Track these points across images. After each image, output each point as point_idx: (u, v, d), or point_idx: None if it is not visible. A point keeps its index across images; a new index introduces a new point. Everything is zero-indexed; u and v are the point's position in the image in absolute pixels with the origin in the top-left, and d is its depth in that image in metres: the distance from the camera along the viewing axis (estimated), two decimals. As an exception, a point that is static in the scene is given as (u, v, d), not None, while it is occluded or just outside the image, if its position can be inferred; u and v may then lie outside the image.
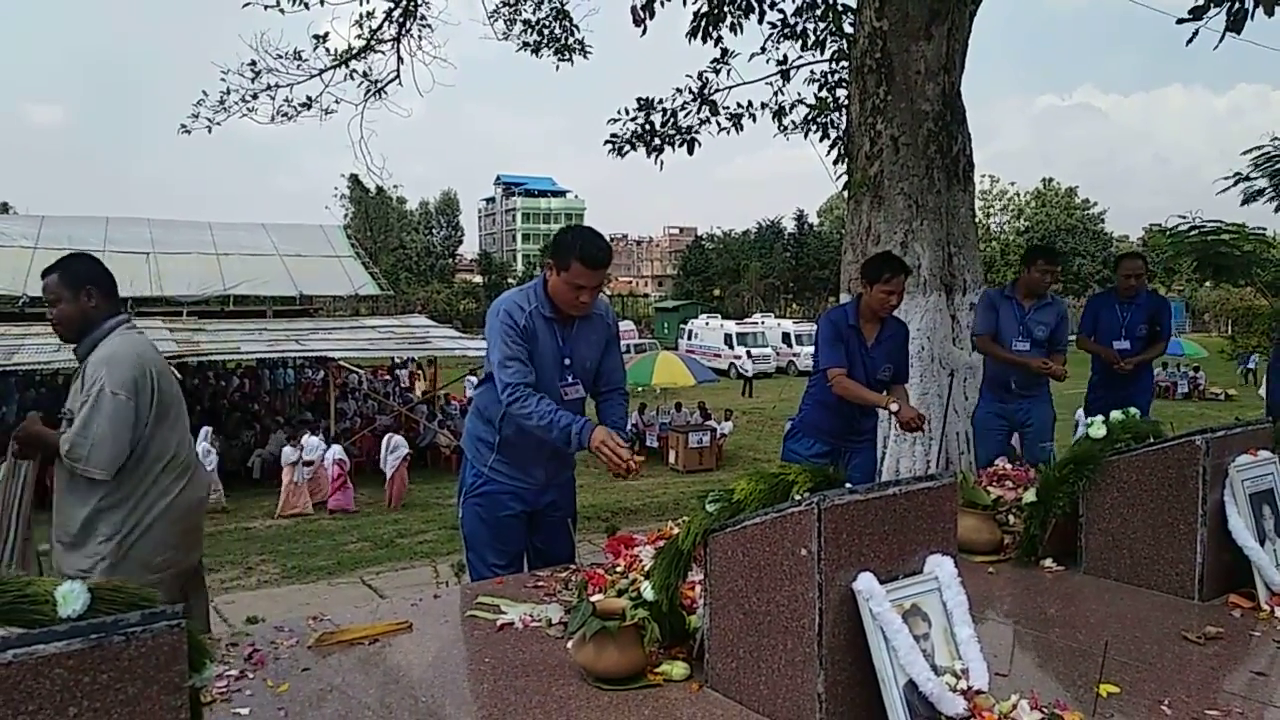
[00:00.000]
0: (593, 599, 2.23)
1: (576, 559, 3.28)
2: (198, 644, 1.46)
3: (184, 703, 1.30)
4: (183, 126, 9.53)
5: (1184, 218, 16.34)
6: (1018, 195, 62.48)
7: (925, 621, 1.94)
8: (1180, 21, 4.76)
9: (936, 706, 1.81)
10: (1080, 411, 9.98)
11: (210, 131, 9.55)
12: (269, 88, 9.39)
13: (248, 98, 9.39)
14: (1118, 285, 5.89)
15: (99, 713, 1.22)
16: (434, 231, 68.84)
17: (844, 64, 8.28)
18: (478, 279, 64.01)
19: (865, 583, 1.88)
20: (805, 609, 1.89)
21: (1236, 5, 4.50)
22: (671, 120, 8.89)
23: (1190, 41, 4.79)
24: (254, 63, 9.21)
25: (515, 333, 3.06)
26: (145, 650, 1.25)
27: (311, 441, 14.03)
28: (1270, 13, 4.22)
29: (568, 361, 3.17)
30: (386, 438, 14.32)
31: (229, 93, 9.32)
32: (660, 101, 8.88)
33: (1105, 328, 5.84)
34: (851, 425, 4.41)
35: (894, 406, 4.10)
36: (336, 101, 9.60)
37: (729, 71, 8.85)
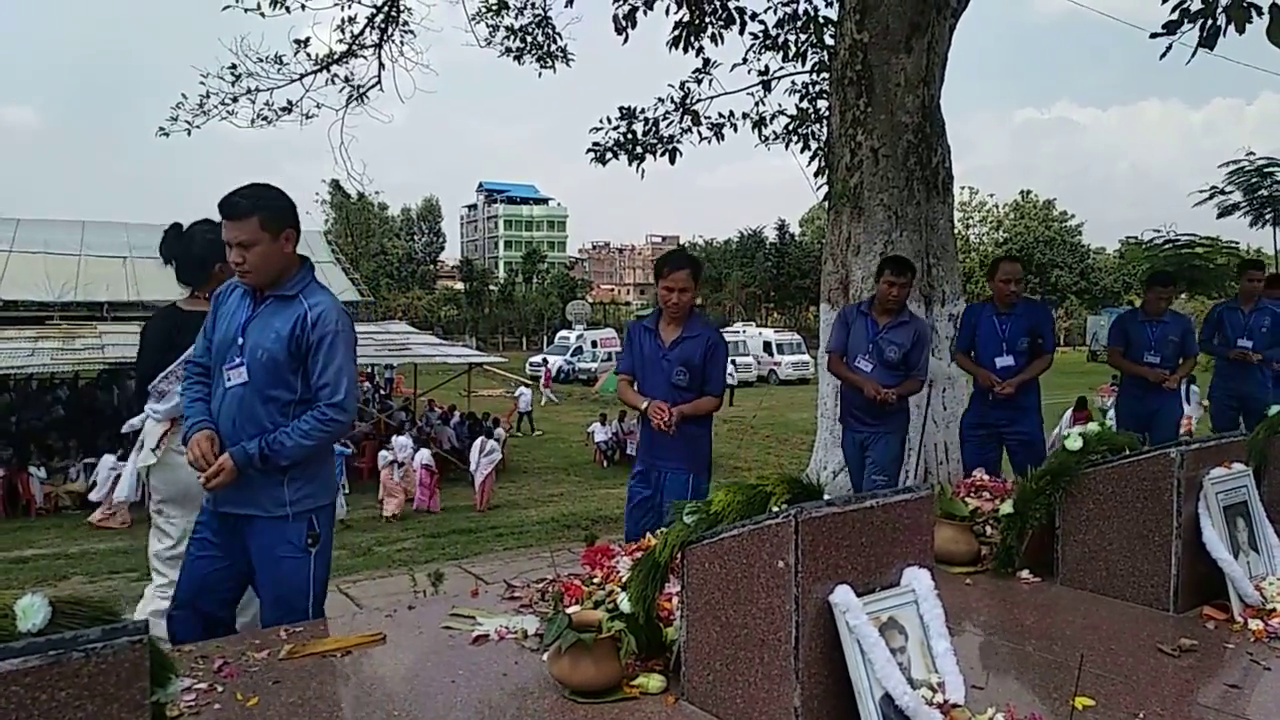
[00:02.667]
0: (569, 610, 2.21)
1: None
2: (161, 659, 1.43)
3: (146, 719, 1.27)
4: (161, 129, 9.47)
5: (1158, 231, 16.59)
6: (996, 207, 63.09)
7: (902, 634, 1.93)
8: (1154, 36, 4.81)
9: (912, 720, 1.81)
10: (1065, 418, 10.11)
11: (190, 134, 9.49)
12: (249, 91, 9.35)
13: (227, 101, 9.34)
14: (995, 293, 5.33)
15: (57, 731, 1.19)
16: (415, 238, 68.63)
17: (825, 75, 8.33)
18: (459, 286, 63.77)
19: (842, 595, 1.87)
20: (782, 622, 1.88)
21: (1209, 21, 4.55)
22: (653, 129, 8.92)
23: (1164, 56, 4.85)
24: (234, 66, 9.17)
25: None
26: (106, 667, 1.22)
27: (400, 441, 14.27)
28: (1241, 29, 4.27)
29: (240, 341, 2.78)
30: (479, 441, 14.63)
31: (208, 96, 9.27)
32: (642, 111, 8.91)
33: (984, 341, 5.32)
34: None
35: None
36: (318, 106, 9.57)
37: (710, 81, 8.92)
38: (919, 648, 1.94)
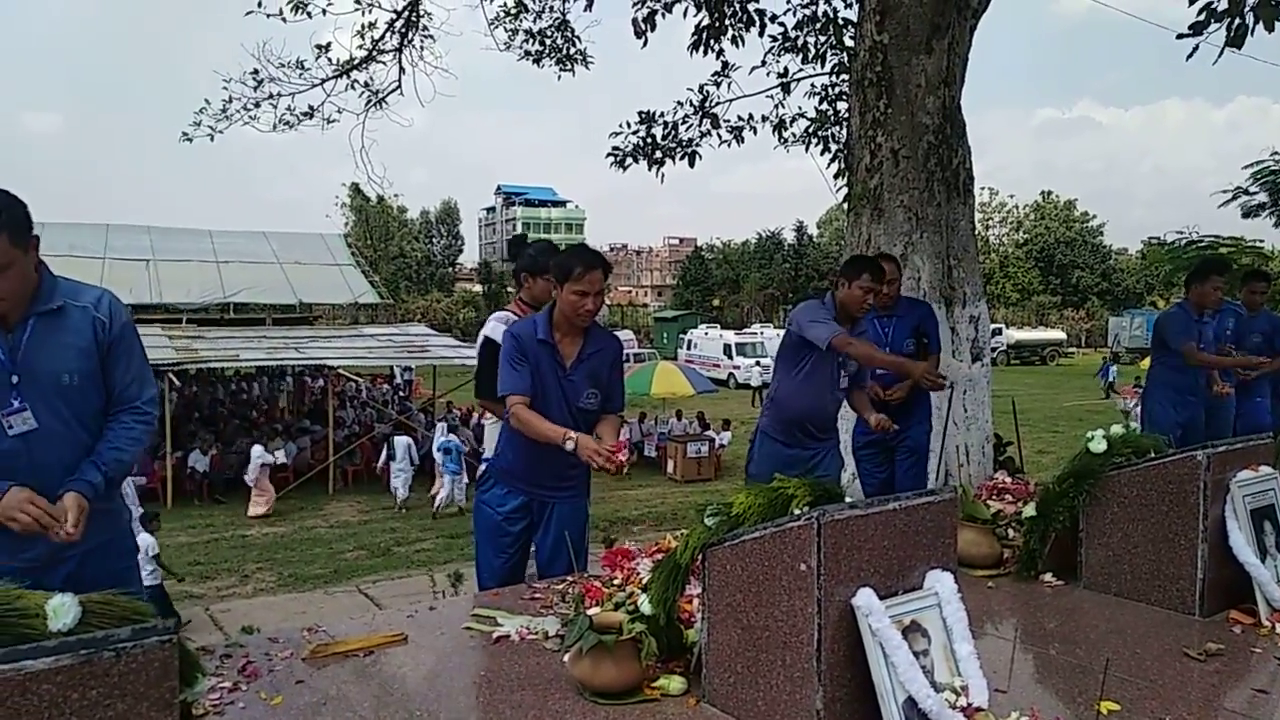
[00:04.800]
0: (590, 612, 2.22)
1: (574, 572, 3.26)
2: (190, 658, 1.44)
3: (174, 718, 1.28)
4: (185, 135, 9.55)
5: (1181, 233, 16.40)
6: (1017, 208, 62.68)
7: (925, 638, 1.92)
8: (1181, 36, 4.76)
9: (936, 724, 1.80)
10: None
11: (213, 139, 9.57)
12: (271, 96, 9.41)
13: (249, 106, 9.41)
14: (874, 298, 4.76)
15: (88, 729, 1.21)
16: (434, 240, 68.88)
17: (844, 77, 8.30)
18: (477, 288, 63.99)
19: (865, 598, 1.86)
20: (804, 624, 1.87)
21: (1237, 21, 4.50)
22: (672, 133, 8.91)
23: (1190, 56, 4.80)
24: (256, 71, 9.23)
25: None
26: (136, 666, 1.24)
27: (400, 441, 14.33)
28: (1270, 28, 4.23)
29: (14, 380, 2.32)
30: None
31: (231, 101, 9.34)
32: (661, 114, 8.90)
33: None
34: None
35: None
36: (339, 111, 9.61)
37: (730, 84, 8.88)
38: (942, 651, 1.93)
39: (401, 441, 14.44)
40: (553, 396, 3.22)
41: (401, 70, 9.54)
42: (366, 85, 9.62)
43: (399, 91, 9.63)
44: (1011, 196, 63.14)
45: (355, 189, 53.17)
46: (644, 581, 2.33)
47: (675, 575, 2.19)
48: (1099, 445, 2.92)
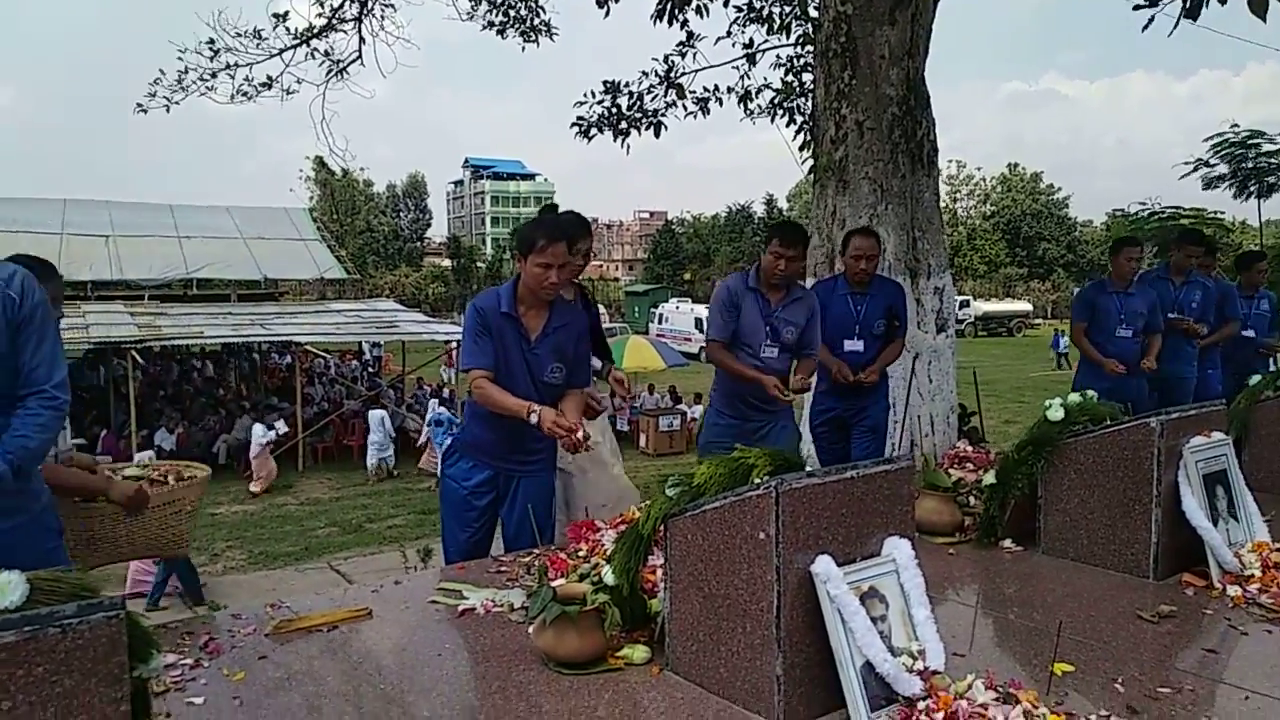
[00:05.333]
0: (554, 583, 2.22)
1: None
2: (142, 634, 1.43)
3: (124, 694, 1.27)
4: (139, 106, 9.35)
5: (1144, 204, 16.61)
6: (984, 181, 63.12)
7: (883, 603, 1.95)
8: (1137, 8, 4.80)
9: (893, 687, 1.83)
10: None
11: (169, 111, 9.37)
12: (228, 67, 9.21)
13: (206, 77, 9.21)
14: (846, 270, 4.68)
15: (35, 706, 1.19)
16: (401, 214, 68.18)
17: (809, 48, 8.28)
18: (446, 263, 63.45)
19: (823, 565, 1.88)
20: (764, 592, 1.89)
21: (1192, -8, 4.54)
22: (638, 103, 8.84)
23: (1146, 28, 4.83)
24: (212, 41, 9.04)
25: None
26: (82, 642, 1.22)
27: (375, 414, 14.50)
28: (1224, 0, 4.26)
29: None
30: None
31: (187, 72, 9.14)
32: (626, 85, 8.83)
33: (835, 323, 4.60)
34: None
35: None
36: (298, 81, 9.43)
37: (695, 55, 8.82)
38: (900, 616, 1.96)
39: (375, 415, 14.44)
40: (517, 370, 3.19)
41: (362, 40, 9.38)
42: (326, 55, 9.45)
43: (360, 62, 9.46)
44: (979, 169, 63.66)
45: (320, 162, 52.37)
46: (608, 553, 2.34)
47: (638, 546, 2.21)
48: (1057, 413, 2.96)
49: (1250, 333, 6.72)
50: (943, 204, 6.62)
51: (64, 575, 1.39)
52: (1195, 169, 16.85)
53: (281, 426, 14.04)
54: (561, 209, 3.92)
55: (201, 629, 2.39)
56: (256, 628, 2.41)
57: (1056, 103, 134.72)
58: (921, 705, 1.78)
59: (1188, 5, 4.50)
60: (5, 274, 2.29)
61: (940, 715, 1.73)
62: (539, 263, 3.08)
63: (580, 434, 2.96)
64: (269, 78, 9.29)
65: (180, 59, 9.00)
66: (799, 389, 4.01)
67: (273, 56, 9.18)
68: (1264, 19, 3.99)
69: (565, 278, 3.18)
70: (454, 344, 19.76)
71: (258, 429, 13.56)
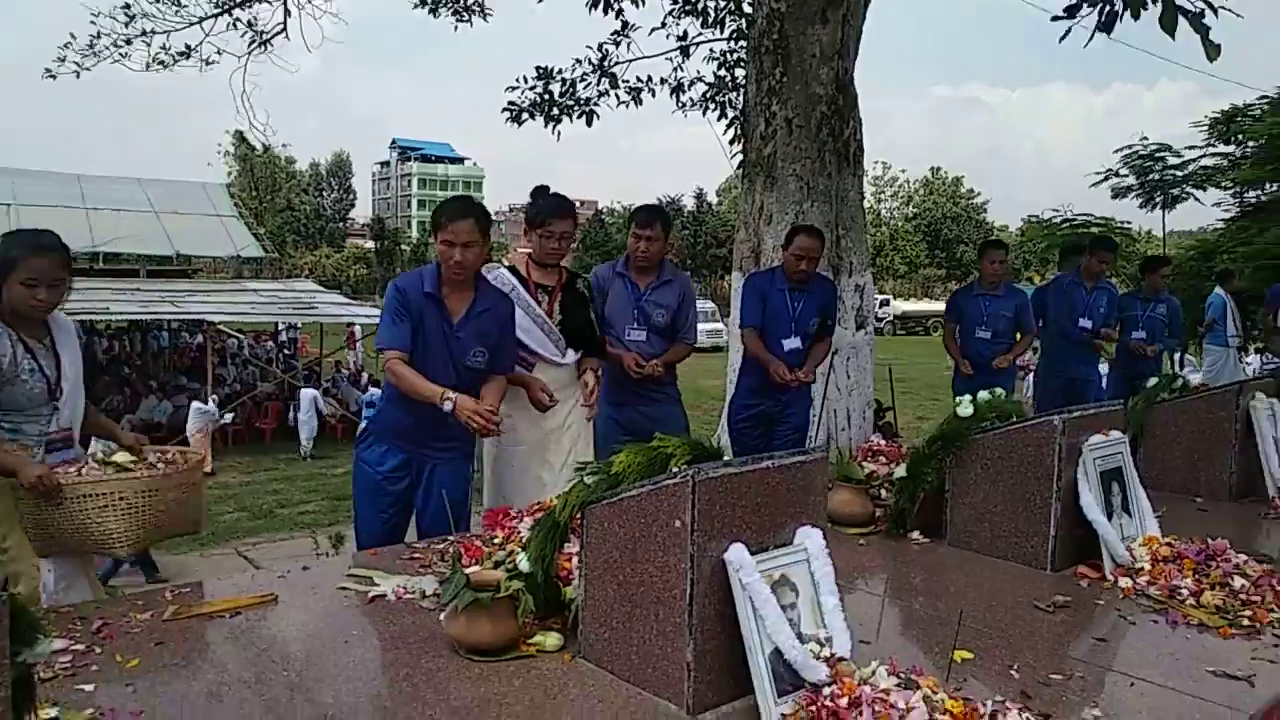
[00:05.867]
0: (468, 570, 2.20)
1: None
2: (28, 618, 1.37)
3: (4, 680, 1.21)
4: (47, 71, 8.93)
5: (1056, 211, 17.21)
6: (908, 183, 64.63)
7: (793, 591, 1.98)
8: (1055, 19, 4.96)
9: (800, 673, 1.86)
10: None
11: (79, 77, 8.97)
12: (144, 33, 8.85)
13: (120, 43, 8.83)
14: (785, 267, 4.62)
15: (-95, 692, 1.13)
16: (324, 194, 66.51)
17: (743, 44, 8.34)
18: (369, 245, 62.16)
19: (736, 553, 1.90)
20: (677, 579, 1.90)
21: (1107, 6, 4.71)
22: (570, 91, 8.80)
23: (1063, 39, 5.00)
24: (128, 6, 8.66)
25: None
26: (-40, 624, 1.16)
27: (306, 394, 14.41)
28: (1136, 15, 4.43)
29: None
30: None
31: (99, 36, 8.75)
32: (559, 71, 8.78)
33: (771, 319, 4.60)
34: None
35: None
36: (218, 52, 9.12)
37: (629, 45, 8.82)
38: (809, 604, 2.00)
39: (307, 394, 14.28)
40: (438, 352, 3.15)
41: (287, 12, 9.11)
42: (250, 25, 9.15)
43: (284, 35, 9.19)
44: (904, 171, 65.06)
45: (240, 137, 50.65)
46: (524, 540, 2.32)
47: (554, 533, 2.20)
48: (966, 410, 3.05)
49: (1142, 334, 7.01)
50: (867, 204, 6.76)
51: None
52: (1105, 178, 17.53)
53: (212, 407, 13.55)
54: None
55: (95, 614, 2.30)
56: (154, 613, 2.33)
57: (979, 110, 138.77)
58: (827, 691, 1.81)
59: (1102, 19, 4.67)
60: None
61: (845, 700, 1.76)
62: (442, 240, 3.09)
63: (496, 420, 2.96)
64: (187, 46, 8.96)
65: (93, 22, 8.61)
66: (648, 373, 4.04)
67: (192, 25, 8.85)
68: (1173, 36, 4.17)
69: (470, 259, 3.10)
70: (354, 325, 19.40)
71: (196, 405, 13.10)
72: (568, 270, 3.91)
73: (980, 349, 6.08)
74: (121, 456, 3.01)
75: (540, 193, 3.86)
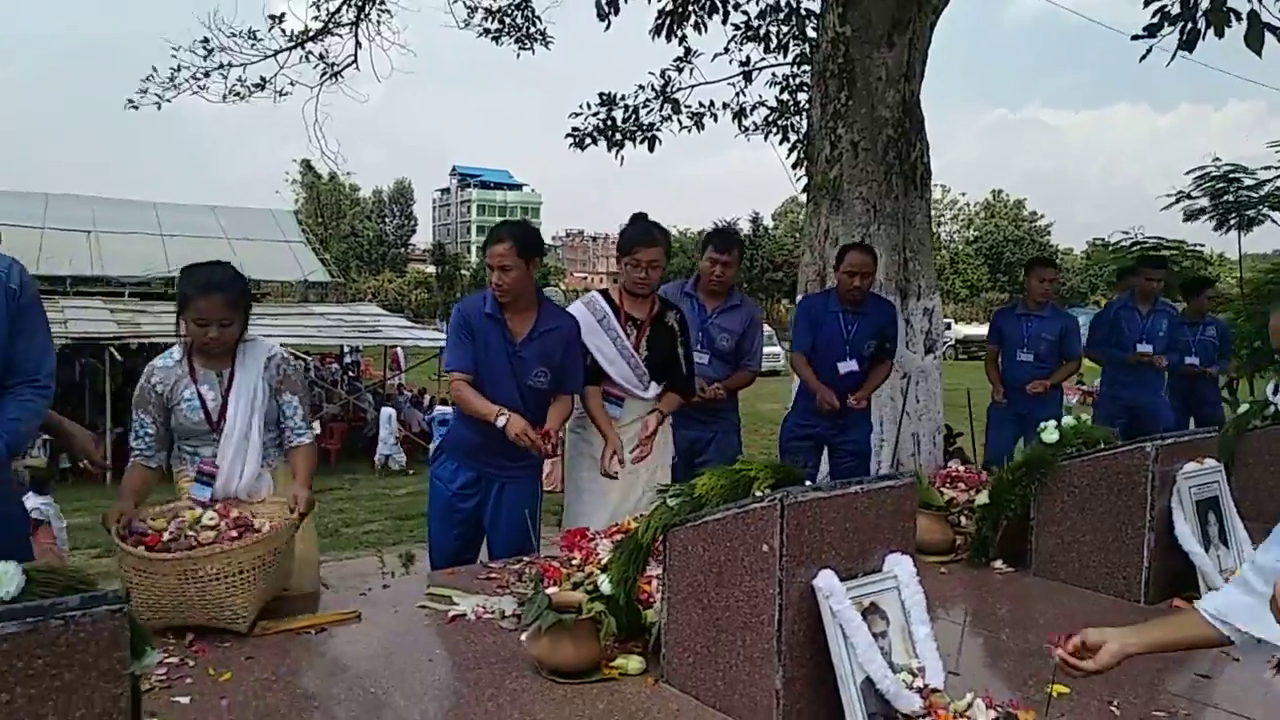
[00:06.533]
0: (548, 591, 2.20)
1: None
2: (139, 629, 1.40)
3: (124, 690, 1.24)
4: (130, 102, 9.27)
5: (1126, 233, 16.75)
6: (968, 206, 63.73)
7: (884, 619, 1.94)
8: (1135, 38, 4.85)
9: (893, 704, 1.81)
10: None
11: (160, 108, 9.29)
12: (221, 66, 9.15)
13: (199, 75, 9.14)
14: (839, 286, 4.51)
15: (34, 699, 1.16)
16: (387, 220, 67.93)
17: (806, 68, 8.33)
18: (431, 269, 63.24)
19: (826, 580, 1.87)
20: (765, 605, 1.88)
21: (1189, 25, 4.60)
22: (633, 116, 8.86)
23: (1144, 58, 4.89)
24: (206, 40, 8.97)
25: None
26: (84, 635, 1.19)
27: (386, 412, 14.65)
28: (1220, 33, 4.31)
29: None
30: None
31: (179, 69, 9.07)
32: (623, 97, 8.85)
33: (825, 342, 4.49)
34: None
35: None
36: (291, 84, 9.37)
37: (691, 70, 8.86)
38: (900, 633, 1.95)
39: (386, 412, 14.61)
40: (501, 372, 3.18)
41: (358, 44, 9.34)
42: (321, 58, 9.41)
43: (355, 66, 9.43)
44: (963, 194, 64.18)
45: (306, 165, 52.05)
46: (603, 562, 2.31)
47: (636, 555, 2.19)
48: (1051, 435, 2.97)
49: (1195, 360, 6.66)
50: (931, 225, 6.67)
51: (60, 567, 1.36)
52: (1177, 200, 16.99)
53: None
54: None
55: (187, 629, 2.35)
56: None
57: (1041, 131, 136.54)
58: (921, 723, 1.76)
59: (1184, 38, 4.56)
60: (3, 265, 2.27)
61: (940, 733, 1.72)
62: (487, 263, 3.17)
63: (551, 444, 3.03)
64: (262, 79, 9.23)
65: (174, 56, 8.93)
66: (710, 397, 3.95)
67: (267, 58, 9.13)
68: (1259, 54, 4.05)
69: (510, 281, 3.10)
70: (397, 348, 19.60)
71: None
72: (660, 299, 3.84)
73: (1022, 373, 5.74)
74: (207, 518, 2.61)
75: (635, 220, 3.82)
